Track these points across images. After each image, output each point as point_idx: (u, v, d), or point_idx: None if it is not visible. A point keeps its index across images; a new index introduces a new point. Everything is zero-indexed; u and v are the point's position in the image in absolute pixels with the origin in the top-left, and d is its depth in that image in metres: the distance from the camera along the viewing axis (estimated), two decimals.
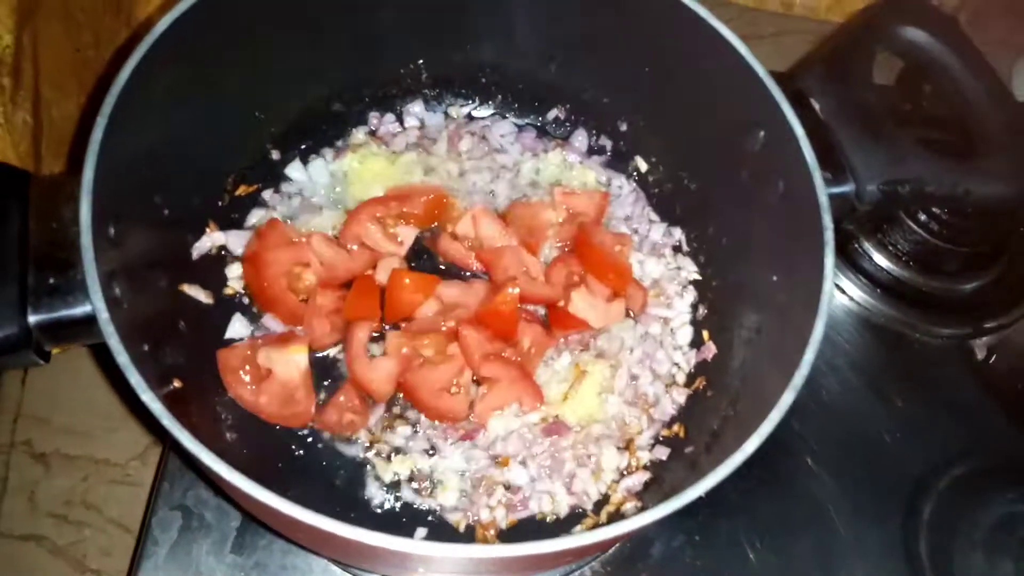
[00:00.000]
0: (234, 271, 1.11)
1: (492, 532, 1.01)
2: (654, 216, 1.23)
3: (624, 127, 1.24)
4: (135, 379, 0.71)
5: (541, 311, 1.15)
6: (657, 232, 1.21)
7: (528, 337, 1.09)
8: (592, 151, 1.27)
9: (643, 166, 1.25)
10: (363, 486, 1.03)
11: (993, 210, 1.32)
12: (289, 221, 1.14)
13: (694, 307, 1.17)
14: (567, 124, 1.29)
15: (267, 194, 1.16)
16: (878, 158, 0.96)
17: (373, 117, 1.25)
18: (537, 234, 1.17)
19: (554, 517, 1.04)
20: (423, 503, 1.03)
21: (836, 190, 0.93)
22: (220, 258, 1.11)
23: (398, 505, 1.03)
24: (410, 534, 1.00)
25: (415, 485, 1.04)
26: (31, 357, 0.77)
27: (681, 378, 1.13)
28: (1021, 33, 1.59)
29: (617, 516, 1.03)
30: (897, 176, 0.95)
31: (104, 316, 0.73)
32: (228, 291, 1.11)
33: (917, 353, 1.32)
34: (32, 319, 0.76)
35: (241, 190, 1.14)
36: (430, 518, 1.02)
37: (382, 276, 1.11)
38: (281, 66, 1.09)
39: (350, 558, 0.85)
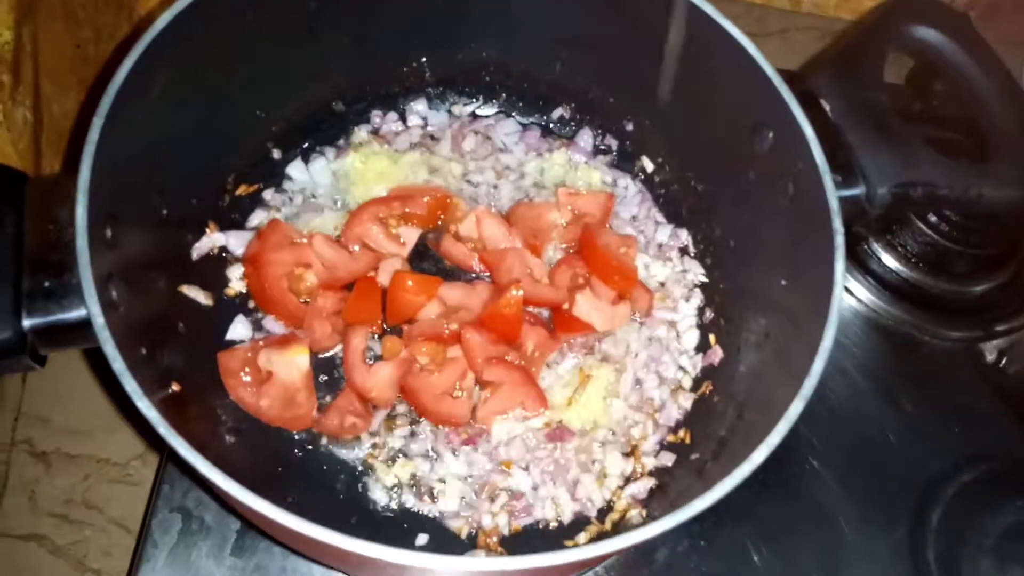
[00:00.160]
0: (236, 272, 1.10)
1: (494, 539, 1.00)
2: (660, 217, 1.22)
3: (630, 127, 1.22)
4: (131, 386, 0.70)
5: (545, 314, 1.14)
6: (663, 234, 1.19)
7: (532, 340, 1.08)
8: (597, 151, 1.26)
9: (649, 166, 1.23)
10: (364, 491, 1.02)
11: (1006, 213, 1.30)
12: (291, 221, 1.13)
13: (700, 310, 1.15)
14: (572, 123, 1.27)
15: (268, 194, 1.15)
16: (890, 161, 0.94)
17: (376, 115, 1.23)
18: (541, 235, 1.16)
19: (557, 524, 1.02)
20: (424, 508, 1.02)
21: (846, 193, 0.92)
22: (220, 259, 1.10)
23: (399, 510, 1.02)
24: (411, 540, 0.99)
25: (416, 490, 1.02)
26: (26, 362, 0.76)
27: (687, 383, 1.11)
28: None
29: (622, 523, 1.02)
30: (909, 179, 0.94)
31: (99, 321, 0.72)
32: (230, 292, 1.10)
33: (926, 356, 1.30)
34: (27, 323, 0.75)
35: (242, 189, 1.13)
36: (431, 524, 1.01)
37: (384, 277, 1.10)
38: (282, 63, 1.07)
39: (349, 567, 0.84)
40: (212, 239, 1.08)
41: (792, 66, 1.53)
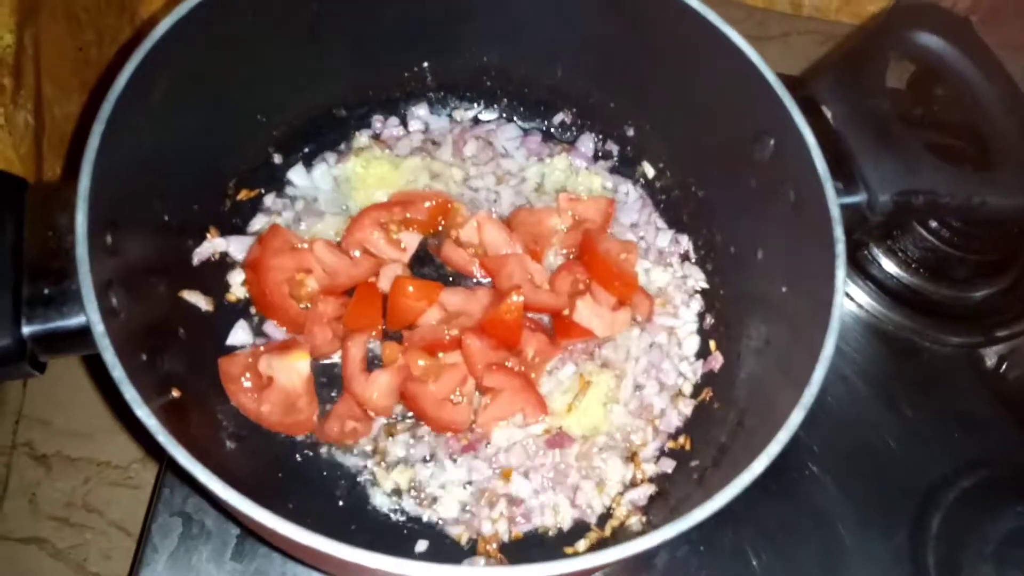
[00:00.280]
0: (237, 277, 1.10)
1: (494, 545, 1.00)
2: (661, 223, 1.21)
3: (631, 132, 1.22)
4: (130, 394, 0.70)
5: (545, 319, 1.14)
6: (664, 239, 1.19)
7: (532, 346, 1.08)
8: (598, 156, 1.26)
9: (650, 172, 1.23)
10: (364, 497, 1.02)
11: (1009, 220, 1.30)
12: (291, 226, 1.13)
13: (701, 316, 1.15)
14: (573, 128, 1.27)
15: (269, 199, 1.15)
16: (892, 168, 0.94)
17: (377, 120, 1.23)
18: (542, 241, 1.16)
19: (557, 531, 1.02)
20: (424, 515, 1.02)
21: (848, 200, 0.92)
22: (221, 264, 1.10)
23: (399, 517, 1.02)
24: (411, 547, 0.99)
25: (416, 496, 1.02)
26: (25, 368, 0.76)
27: (687, 389, 1.11)
28: None
29: (622, 530, 1.02)
30: (911, 187, 0.93)
31: (99, 329, 0.72)
32: (231, 297, 1.10)
33: (926, 361, 1.30)
34: (26, 330, 0.75)
35: (243, 194, 1.13)
36: (431, 530, 1.01)
37: (385, 283, 1.10)
38: (283, 68, 1.07)
39: (349, 574, 0.84)
40: (213, 244, 1.07)
41: (793, 70, 1.53)
